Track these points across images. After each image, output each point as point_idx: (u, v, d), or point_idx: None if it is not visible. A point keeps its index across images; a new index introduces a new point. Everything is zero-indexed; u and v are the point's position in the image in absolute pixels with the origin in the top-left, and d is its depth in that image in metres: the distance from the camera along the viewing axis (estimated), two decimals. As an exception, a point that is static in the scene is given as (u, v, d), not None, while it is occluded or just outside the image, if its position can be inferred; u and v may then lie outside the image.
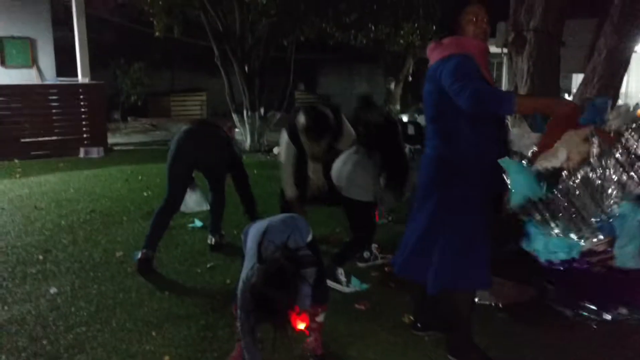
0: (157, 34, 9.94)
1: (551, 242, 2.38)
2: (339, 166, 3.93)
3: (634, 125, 2.26)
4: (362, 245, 4.03)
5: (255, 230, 2.56)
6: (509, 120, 3.45)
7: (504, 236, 3.17)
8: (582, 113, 2.51)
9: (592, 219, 2.29)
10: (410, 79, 16.08)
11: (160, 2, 9.46)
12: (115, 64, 13.33)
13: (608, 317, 3.20)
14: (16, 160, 8.23)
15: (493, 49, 4.87)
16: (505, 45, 6.28)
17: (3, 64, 10.53)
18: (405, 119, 10.11)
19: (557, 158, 2.38)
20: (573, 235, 2.34)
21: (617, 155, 2.24)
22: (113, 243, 4.59)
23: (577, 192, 2.29)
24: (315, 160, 4.17)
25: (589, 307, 3.23)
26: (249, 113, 10.31)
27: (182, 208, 4.38)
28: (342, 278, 3.69)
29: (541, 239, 2.40)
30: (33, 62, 10.81)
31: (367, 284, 3.76)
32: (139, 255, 3.97)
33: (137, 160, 8.61)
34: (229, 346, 2.85)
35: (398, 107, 15.38)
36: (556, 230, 2.36)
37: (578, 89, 4.82)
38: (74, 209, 5.63)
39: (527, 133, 2.74)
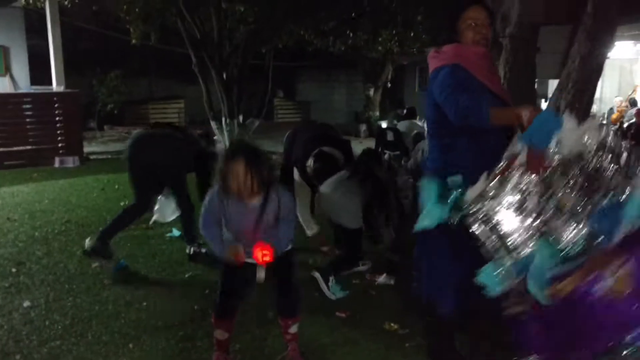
0: (133, 41, 9.87)
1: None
2: (328, 192, 3.94)
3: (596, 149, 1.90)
4: (351, 263, 4.02)
5: None
6: None
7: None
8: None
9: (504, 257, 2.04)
10: (389, 85, 16.18)
11: (137, 9, 9.39)
12: (91, 72, 13.19)
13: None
14: (-11, 171, 8.06)
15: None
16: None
17: (-25, 72, 10.37)
18: (384, 125, 10.16)
19: (475, 189, 2.12)
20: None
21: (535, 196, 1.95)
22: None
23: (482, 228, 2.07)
24: None
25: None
26: (228, 120, 10.26)
27: (159, 218, 4.36)
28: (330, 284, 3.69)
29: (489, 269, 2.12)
30: (6, 70, 10.65)
31: (347, 290, 3.74)
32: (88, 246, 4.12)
33: (113, 169, 8.47)
34: (208, 356, 2.80)
35: (377, 113, 15.47)
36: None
37: (553, 95, 4.88)
38: (49, 219, 5.52)
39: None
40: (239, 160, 2.35)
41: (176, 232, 4.93)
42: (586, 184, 1.90)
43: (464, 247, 2.26)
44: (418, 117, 9.27)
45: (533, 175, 1.97)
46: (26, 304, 3.51)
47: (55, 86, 9.85)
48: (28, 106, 9.18)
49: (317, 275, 3.67)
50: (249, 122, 10.51)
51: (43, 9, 9.89)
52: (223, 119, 10.29)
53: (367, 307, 3.52)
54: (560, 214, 1.92)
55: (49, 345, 2.99)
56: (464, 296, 2.45)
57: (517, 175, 2.00)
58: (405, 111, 10.44)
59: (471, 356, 2.82)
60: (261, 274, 2.39)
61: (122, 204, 6.11)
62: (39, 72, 11.01)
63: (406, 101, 14.82)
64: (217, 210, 2.48)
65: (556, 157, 1.94)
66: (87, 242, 4.21)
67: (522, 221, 1.99)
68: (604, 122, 2.14)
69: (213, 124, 10.42)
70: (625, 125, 9.49)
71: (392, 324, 3.19)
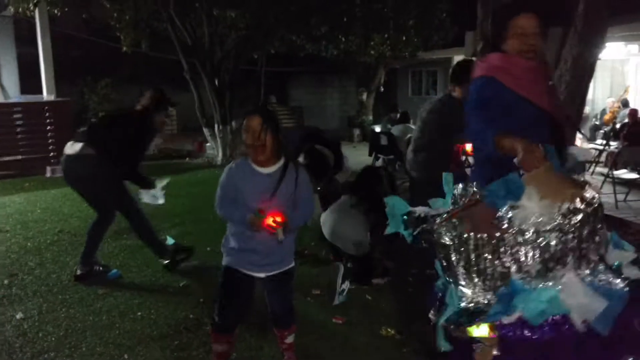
0: (124, 48, 9.82)
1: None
2: (333, 224, 3.99)
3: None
4: (368, 275, 3.99)
5: None
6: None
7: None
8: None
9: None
10: (382, 89, 16.19)
11: (127, 17, 9.36)
12: (82, 80, 13.12)
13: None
14: (-21, 181, 7.99)
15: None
16: (474, 55, 6.36)
17: (-36, 82, 10.30)
18: (377, 129, 10.16)
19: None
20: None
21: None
22: (82, 264, 4.44)
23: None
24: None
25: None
26: (220, 127, 10.23)
27: (151, 201, 4.23)
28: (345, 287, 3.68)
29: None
30: (-5, 79, 10.58)
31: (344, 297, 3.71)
32: (78, 271, 4.04)
33: (106, 177, 8.42)
34: (204, 367, 2.78)
35: (371, 117, 15.47)
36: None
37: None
38: (41, 229, 5.47)
39: None
40: (255, 116, 2.42)
41: (170, 241, 4.88)
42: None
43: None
44: (411, 121, 9.29)
45: (485, 235, 2.06)
46: (19, 315, 3.47)
47: (46, 95, 9.80)
48: (18, 115, 9.11)
49: (341, 268, 3.68)
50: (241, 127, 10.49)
51: (33, 18, 9.84)
52: (216, 126, 10.25)
53: (364, 312, 3.50)
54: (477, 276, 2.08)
55: (43, 357, 2.95)
56: None
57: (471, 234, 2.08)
58: (398, 115, 10.46)
59: None
60: (280, 234, 2.37)
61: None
62: (29, 81, 10.95)
63: (400, 105, 14.83)
64: (233, 189, 2.47)
65: (505, 224, 2.03)
66: (76, 269, 4.11)
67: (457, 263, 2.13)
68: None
69: (206, 131, 10.39)
70: (617, 126, 9.54)
71: (389, 329, 3.17)
